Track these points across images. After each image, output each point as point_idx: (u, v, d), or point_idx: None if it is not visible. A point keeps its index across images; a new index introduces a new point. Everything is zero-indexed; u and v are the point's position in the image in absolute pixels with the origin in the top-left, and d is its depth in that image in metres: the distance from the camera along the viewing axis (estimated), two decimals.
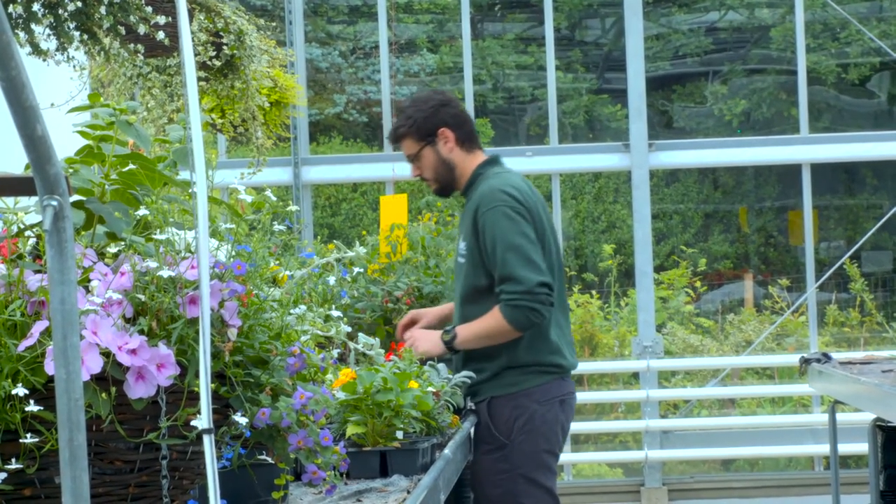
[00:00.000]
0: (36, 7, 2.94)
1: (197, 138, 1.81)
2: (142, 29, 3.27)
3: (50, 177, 1.48)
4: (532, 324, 3.99)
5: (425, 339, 4.11)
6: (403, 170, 8.93)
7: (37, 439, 1.84)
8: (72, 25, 3.02)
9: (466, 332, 4.06)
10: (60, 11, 2.95)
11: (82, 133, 2.27)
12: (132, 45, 3.60)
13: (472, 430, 4.13)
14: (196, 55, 4.19)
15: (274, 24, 5.17)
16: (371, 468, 3.11)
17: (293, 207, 3.30)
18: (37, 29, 2.98)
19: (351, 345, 3.64)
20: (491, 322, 4.00)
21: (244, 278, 2.10)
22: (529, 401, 4.06)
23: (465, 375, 4.05)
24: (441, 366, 3.87)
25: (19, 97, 1.39)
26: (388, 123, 8.92)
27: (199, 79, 4.41)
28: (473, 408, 4.17)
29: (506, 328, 3.99)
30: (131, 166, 2.25)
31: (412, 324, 4.34)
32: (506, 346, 4.06)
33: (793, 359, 7.70)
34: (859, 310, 9.50)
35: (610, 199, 10.59)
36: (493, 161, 4.22)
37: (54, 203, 1.48)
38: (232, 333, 2.04)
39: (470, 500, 5.10)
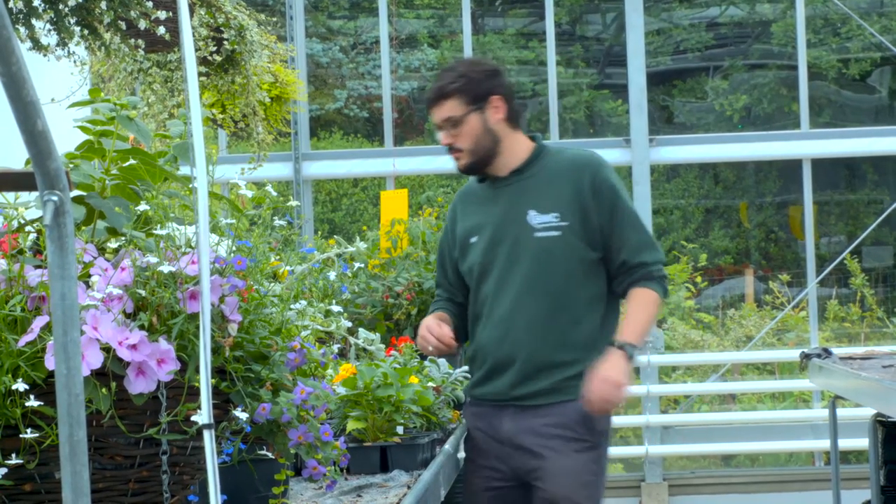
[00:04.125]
0: (36, 2, 2.94)
1: (197, 133, 1.81)
2: (142, 24, 3.27)
3: (50, 172, 1.47)
4: None
5: (618, 375, 3.43)
6: (403, 165, 8.99)
7: (37, 434, 1.84)
8: (72, 21, 3.02)
9: (638, 330, 3.53)
10: (61, 7, 2.95)
11: (83, 128, 2.27)
12: (133, 41, 3.59)
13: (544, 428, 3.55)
14: (197, 50, 4.19)
15: (274, 19, 5.17)
16: (371, 463, 3.11)
17: (294, 203, 3.30)
18: (37, 24, 2.98)
19: (351, 340, 3.64)
20: (652, 308, 3.57)
21: (245, 273, 2.09)
22: None
23: (464, 372, 4.05)
24: (442, 361, 3.86)
25: (20, 92, 1.39)
26: (388, 118, 8.92)
27: (200, 74, 4.41)
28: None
29: (660, 305, 3.63)
30: (132, 161, 2.25)
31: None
32: (606, 328, 3.63)
33: (793, 354, 7.69)
34: (860, 305, 9.49)
35: None
36: (541, 139, 3.84)
37: (55, 198, 1.48)
38: (232, 329, 2.03)
39: None
